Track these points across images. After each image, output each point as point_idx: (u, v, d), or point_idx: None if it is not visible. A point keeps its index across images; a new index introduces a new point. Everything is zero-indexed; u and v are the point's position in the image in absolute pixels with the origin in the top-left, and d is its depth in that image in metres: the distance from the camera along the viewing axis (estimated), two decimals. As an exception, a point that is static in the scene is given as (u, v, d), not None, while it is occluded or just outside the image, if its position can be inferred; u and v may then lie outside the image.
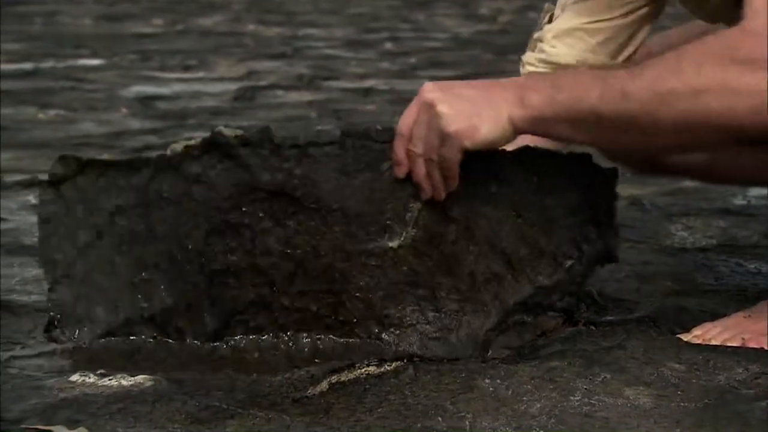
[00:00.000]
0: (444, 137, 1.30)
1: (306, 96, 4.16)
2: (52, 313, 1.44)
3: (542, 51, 1.51)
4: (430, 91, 1.31)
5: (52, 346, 1.44)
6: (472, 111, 1.29)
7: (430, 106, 1.31)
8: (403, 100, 4.07)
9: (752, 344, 1.47)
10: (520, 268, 1.46)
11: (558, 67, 1.50)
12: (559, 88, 1.26)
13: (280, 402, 1.28)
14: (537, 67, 1.52)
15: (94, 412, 1.23)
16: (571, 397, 1.31)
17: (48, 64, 5.00)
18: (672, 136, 1.23)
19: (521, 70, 1.56)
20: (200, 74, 4.78)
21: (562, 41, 1.50)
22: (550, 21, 1.54)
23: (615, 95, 1.22)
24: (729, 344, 1.47)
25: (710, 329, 1.51)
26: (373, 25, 6.90)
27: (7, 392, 1.29)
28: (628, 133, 1.23)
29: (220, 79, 4.62)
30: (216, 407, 1.25)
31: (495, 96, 1.30)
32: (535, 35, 1.53)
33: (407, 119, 1.34)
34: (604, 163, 1.50)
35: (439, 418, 1.25)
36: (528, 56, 1.53)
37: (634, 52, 1.55)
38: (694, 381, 1.37)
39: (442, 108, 1.30)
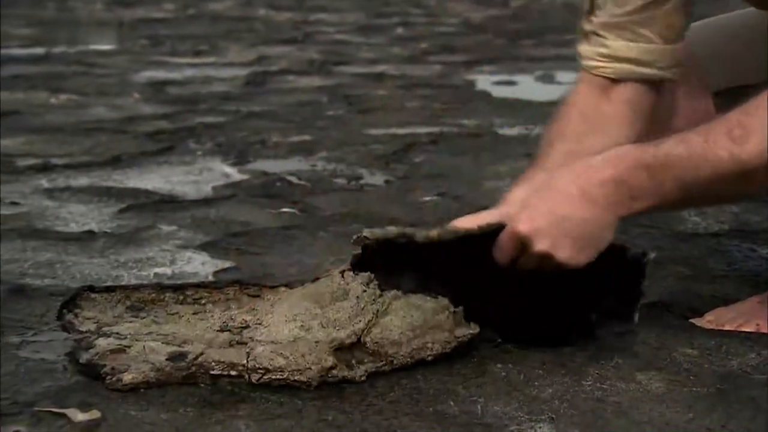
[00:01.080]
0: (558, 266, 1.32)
1: (317, 81, 4.15)
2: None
3: (602, 45, 1.49)
4: (537, 238, 1.29)
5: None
6: (586, 242, 1.30)
7: (545, 256, 1.30)
8: (415, 84, 4.07)
9: (765, 329, 1.46)
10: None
11: (618, 60, 1.48)
12: (661, 183, 1.27)
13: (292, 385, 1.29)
14: (599, 61, 1.50)
15: (106, 395, 1.24)
16: (583, 382, 1.31)
17: (60, 48, 5.00)
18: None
19: (581, 63, 1.54)
20: (211, 59, 4.78)
21: (616, 34, 1.48)
22: (591, 6, 1.51)
23: (716, 175, 1.26)
24: (742, 329, 1.47)
25: (723, 314, 1.50)
26: (385, 10, 6.88)
27: (20, 375, 1.29)
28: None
29: (231, 64, 4.61)
30: (228, 391, 1.26)
31: (602, 211, 1.29)
32: (586, 26, 1.50)
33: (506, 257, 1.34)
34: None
35: (451, 402, 1.25)
36: (586, 50, 1.51)
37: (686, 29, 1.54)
38: (706, 366, 1.37)
39: (561, 255, 1.30)
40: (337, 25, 6.18)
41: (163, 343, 1.29)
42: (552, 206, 1.30)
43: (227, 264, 1.81)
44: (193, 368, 1.24)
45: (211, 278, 1.71)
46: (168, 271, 1.76)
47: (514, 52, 5.16)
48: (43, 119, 3.22)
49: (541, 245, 1.30)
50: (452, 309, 1.36)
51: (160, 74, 4.27)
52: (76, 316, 1.51)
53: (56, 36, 5.45)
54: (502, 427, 1.19)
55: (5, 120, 3.19)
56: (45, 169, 2.52)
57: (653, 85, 1.52)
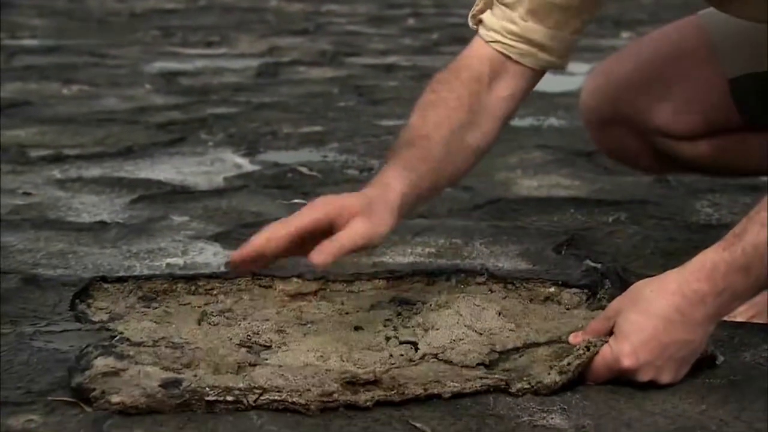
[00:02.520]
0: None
1: (328, 72, 4.15)
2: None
3: (512, 21, 1.45)
4: (641, 371, 1.25)
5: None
6: (687, 361, 1.28)
7: (652, 381, 1.27)
8: (426, 75, 4.06)
9: (778, 321, 1.45)
10: None
11: (526, 42, 1.45)
12: (759, 275, 1.24)
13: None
14: (505, 38, 1.46)
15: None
16: (596, 373, 1.31)
17: (71, 39, 5.01)
18: None
19: (481, 32, 1.47)
20: (222, 50, 4.78)
21: (534, 15, 1.44)
22: None
23: None
24: (755, 321, 1.46)
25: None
26: (396, 1, 6.87)
27: (33, 365, 1.30)
28: None
29: (243, 55, 4.61)
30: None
31: (704, 329, 1.27)
32: None
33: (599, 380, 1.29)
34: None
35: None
36: (491, 21, 1.46)
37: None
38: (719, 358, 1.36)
39: (664, 380, 1.27)
40: (348, 16, 6.17)
41: (161, 368, 1.25)
42: (654, 335, 1.25)
43: (239, 254, 1.80)
44: (187, 395, 1.18)
45: (222, 269, 1.71)
46: (180, 261, 1.76)
47: (525, 43, 5.14)
48: (55, 110, 3.23)
49: (645, 376, 1.26)
50: (487, 362, 1.31)
51: (172, 65, 4.27)
52: (89, 306, 1.52)
53: (68, 27, 5.46)
54: (514, 418, 1.19)
55: (17, 110, 3.19)
56: (57, 159, 2.52)
57: (540, 73, 1.49)
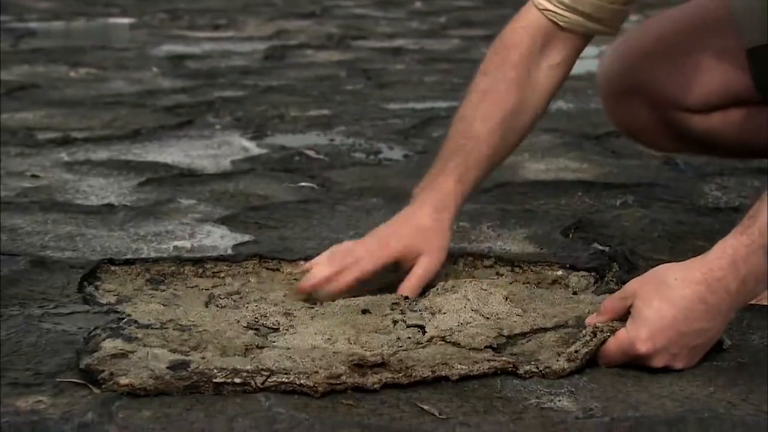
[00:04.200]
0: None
1: (335, 55, 4.14)
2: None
3: None
4: (656, 356, 1.25)
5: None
6: (703, 347, 1.27)
7: (665, 366, 1.27)
8: (433, 59, 4.06)
9: (787, 305, 1.45)
10: None
11: (575, 12, 1.49)
12: (760, 276, 1.24)
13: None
14: (556, 6, 1.50)
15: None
16: (603, 356, 1.31)
17: (79, 22, 5.00)
18: None
19: (531, 10, 1.52)
20: (230, 33, 4.77)
21: None
22: None
23: None
24: (763, 303, 1.46)
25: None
26: (403, -16, 6.84)
27: (42, 346, 1.30)
28: None
29: (250, 39, 4.61)
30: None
31: (725, 316, 1.26)
32: None
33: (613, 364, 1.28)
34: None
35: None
36: None
37: None
38: (727, 340, 1.36)
39: (678, 366, 1.26)
40: (355, -1, 6.16)
41: (169, 350, 1.26)
42: (673, 324, 1.25)
43: (246, 238, 1.81)
44: (195, 377, 1.19)
45: (230, 252, 1.71)
46: (187, 244, 1.77)
47: (533, 26, 5.13)
48: (62, 93, 3.23)
49: (659, 363, 1.26)
50: (495, 345, 1.30)
51: (179, 48, 4.26)
52: (97, 288, 1.52)
53: (75, 9, 5.46)
54: (521, 401, 1.19)
55: (25, 93, 3.20)
56: (65, 142, 2.52)
57: (587, 40, 1.54)
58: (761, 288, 1.29)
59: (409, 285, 1.47)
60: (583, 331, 1.29)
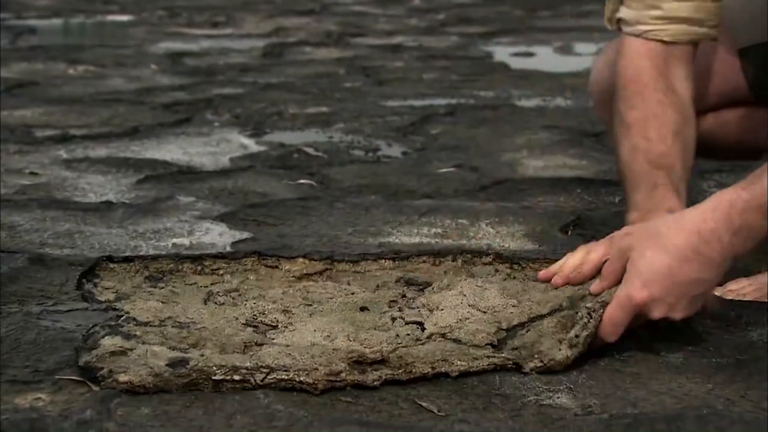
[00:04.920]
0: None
1: (334, 53, 4.15)
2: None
3: (654, 7, 1.46)
4: (654, 306, 1.25)
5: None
6: (700, 297, 1.27)
7: (665, 317, 1.27)
8: (432, 56, 4.06)
9: (786, 301, 1.45)
10: None
11: (673, 21, 1.47)
12: (754, 232, 1.24)
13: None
14: (653, 24, 1.47)
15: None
16: (602, 353, 1.30)
17: (77, 20, 5.00)
18: None
19: (627, 29, 1.50)
20: (228, 30, 4.77)
21: None
22: None
23: None
24: (762, 300, 1.46)
25: (745, 285, 1.50)
26: (402, -19, 6.84)
27: (41, 344, 1.30)
28: None
29: (248, 36, 4.61)
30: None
31: (719, 267, 1.26)
32: None
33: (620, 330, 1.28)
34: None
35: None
36: (632, 15, 1.48)
37: None
38: (726, 337, 1.36)
39: (677, 316, 1.27)
40: (354, -4, 6.15)
41: (168, 348, 1.25)
42: (669, 274, 1.25)
43: (245, 235, 1.81)
44: (194, 374, 1.19)
45: (229, 249, 1.71)
46: (186, 241, 1.77)
47: (532, 23, 5.13)
48: (61, 90, 3.23)
49: (657, 313, 1.27)
50: (495, 342, 1.30)
51: (178, 45, 4.26)
52: (96, 285, 1.52)
53: (73, 7, 5.45)
54: (520, 397, 1.19)
55: (24, 91, 3.20)
56: (63, 139, 2.52)
57: (696, 47, 1.51)
58: (753, 244, 1.27)
59: None
60: (579, 314, 1.29)
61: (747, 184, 1.25)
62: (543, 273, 1.40)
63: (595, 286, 1.33)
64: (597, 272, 1.34)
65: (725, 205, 1.25)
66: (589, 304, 1.29)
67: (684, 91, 1.50)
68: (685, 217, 1.27)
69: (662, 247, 1.25)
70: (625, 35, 1.50)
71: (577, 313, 1.30)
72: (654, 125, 1.47)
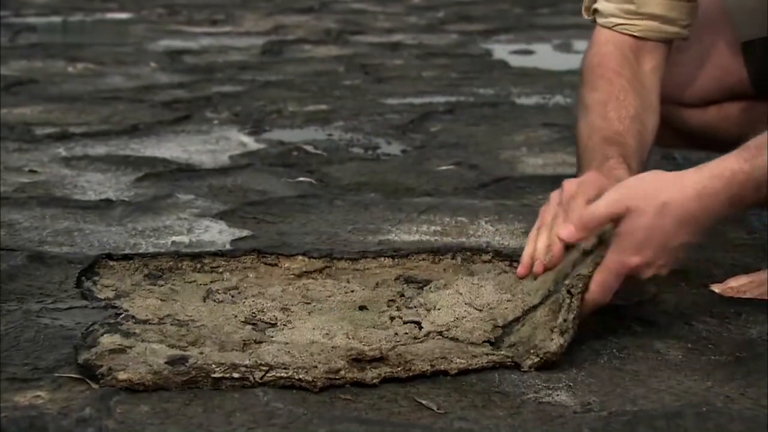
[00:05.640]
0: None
1: (334, 50, 4.14)
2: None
3: (630, 2, 1.47)
4: (646, 268, 1.29)
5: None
6: (686, 255, 1.31)
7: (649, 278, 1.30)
8: (431, 54, 4.05)
9: (786, 299, 1.45)
10: None
11: (645, 17, 1.47)
12: (746, 204, 1.28)
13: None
14: (625, 18, 1.48)
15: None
16: (601, 351, 1.31)
17: (77, 17, 5.00)
18: None
19: (600, 21, 1.51)
20: (228, 28, 4.77)
21: None
22: None
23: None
24: (762, 298, 1.46)
25: (744, 283, 1.50)
26: (401, -21, 6.84)
27: (40, 342, 1.30)
28: None
29: (248, 34, 4.61)
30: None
31: (708, 231, 1.29)
32: None
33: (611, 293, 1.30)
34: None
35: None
36: (607, 7, 1.49)
37: None
38: (725, 334, 1.36)
39: (663, 272, 1.30)
40: (353, -6, 6.15)
41: (167, 345, 1.26)
42: (664, 239, 1.27)
43: (244, 233, 1.81)
44: (193, 372, 1.19)
45: (228, 247, 1.71)
46: (185, 239, 1.77)
47: (531, 20, 5.13)
48: (60, 88, 3.23)
49: (647, 274, 1.29)
50: (492, 339, 1.31)
51: (177, 43, 4.26)
52: (95, 283, 1.52)
53: (72, 5, 5.45)
54: (519, 395, 1.19)
55: (23, 88, 3.19)
56: (63, 137, 2.52)
57: (669, 45, 1.52)
58: (742, 212, 1.31)
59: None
60: (560, 295, 1.29)
61: (749, 156, 1.26)
62: (520, 270, 1.40)
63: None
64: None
65: (728, 174, 1.26)
66: (567, 281, 1.30)
67: (650, 82, 1.51)
68: (686, 179, 1.28)
69: (660, 210, 1.26)
70: (598, 26, 1.51)
71: (561, 293, 1.30)
72: (614, 107, 1.48)
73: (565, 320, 1.27)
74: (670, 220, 1.26)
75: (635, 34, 1.48)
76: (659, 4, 1.47)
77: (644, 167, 1.49)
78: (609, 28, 1.50)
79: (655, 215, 1.26)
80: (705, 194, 1.26)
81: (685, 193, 1.26)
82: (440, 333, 1.32)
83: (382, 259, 1.60)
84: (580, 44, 4.23)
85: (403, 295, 1.46)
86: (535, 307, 1.35)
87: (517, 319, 1.34)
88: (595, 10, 1.52)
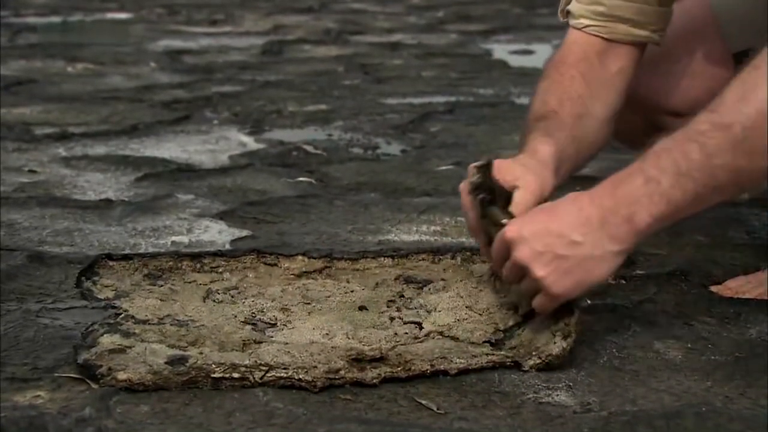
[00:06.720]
0: (551, 297, 1.26)
1: (333, 50, 4.14)
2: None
3: (598, 3, 1.47)
4: (518, 244, 1.24)
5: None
6: (572, 267, 1.23)
7: (522, 267, 1.25)
8: (431, 54, 4.06)
9: (785, 299, 1.45)
10: None
11: (613, 19, 1.47)
12: (659, 201, 1.22)
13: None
14: (594, 20, 1.48)
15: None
16: (601, 351, 1.31)
17: (76, 17, 5.00)
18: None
19: (572, 22, 1.51)
20: (227, 28, 4.77)
21: None
22: None
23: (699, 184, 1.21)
24: (761, 298, 1.46)
25: (742, 283, 1.50)
26: (401, -21, 6.84)
27: (40, 341, 1.30)
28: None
29: (247, 34, 4.61)
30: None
31: (599, 238, 1.23)
32: None
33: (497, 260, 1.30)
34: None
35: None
36: (578, 8, 1.49)
37: None
38: (724, 334, 1.36)
39: (537, 272, 1.24)
40: (353, -6, 6.15)
41: (167, 345, 1.26)
42: (543, 219, 1.25)
43: (244, 233, 1.81)
44: (193, 372, 1.19)
45: (228, 247, 1.71)
46: (185, 239, 1.77)
47: (531, 20, 5.13)
48: (60, 88, 3.23)
49: (521, 253, 1.25)
50: (493, 340, 1.31)
51: (177, 43, 4.26)
52: (95, 283, 1.52)
53: (72, 4, 5.45)
54: (519, 395, 1.19)
55: (22, 88, 3.19)
56: (62, 137, 2.52)
57: (641, 48, 1.51)
58: (636, 214, 1.23)
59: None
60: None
61: (644, 165, 1.24)
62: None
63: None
64: None
65: (612, 178, 1.26)
66: None
67: (611, 82, 1.49)
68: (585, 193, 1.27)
69: (550, 204, 1.28)
70: (570, 27, 1.51)
71: None
72: (555, 91, 1.48)
73: (566, 324, 1.27)
74: (554, 207, 1.27)
75: (604, 36, 1.48)
76: (629, 8, 1.46)
77: (582, 155, 1.49)
78: (579, 29, 1.50)
79: (543, 206, 1.28)
80: (593, 190, 1.25)
81: (576, 193, 1.26)
82: (441, 332, 1.32)
83: (382, 259, 1.60)
84: (579, 44, 4.23)
85: (402, 296, 1.46)
86: (534, 312, 1.35)
87: (518, 324, 1.34)
88: (568, 12, 1.52)
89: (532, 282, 1.25)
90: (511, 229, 1.26)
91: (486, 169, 1.34)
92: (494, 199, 1.33)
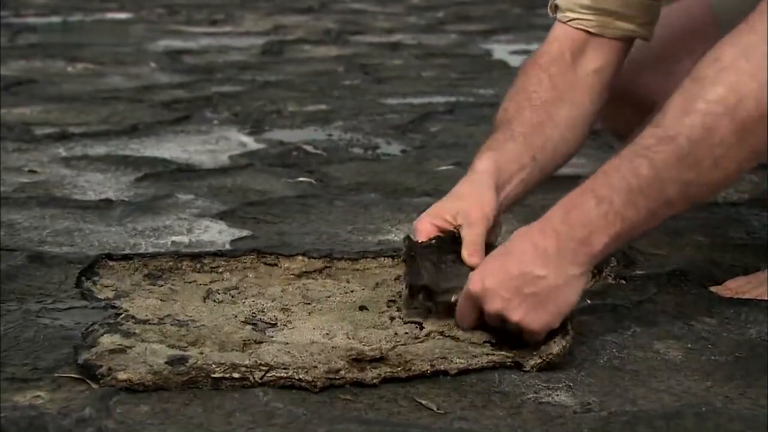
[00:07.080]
0: (535, 332, 1.26)
1: (333, 50, 4.14)
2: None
3: None
4: (487, 298, 1.25)
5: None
6: (542, 301, 1.23)
7: (500, 317, 1.25)
8: (431, 54, 4.06)
9: (785, 299, 1.45)
10: None
11: (599, 12, 1.47)
12: (613, 221, 1.21)
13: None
14: (580, 13, 1.48)
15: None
16: (601, 351, 1.31)
17: (76, 17, 5.00)
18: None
19: (558, 15, 1.51)
20: (227, 28, 4.77)
21: None
22: None
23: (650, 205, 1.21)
24: (761, 298, 1.46)
25: (742, 283, 1.50)
26: (401, -21, 6.84)
27: (40, 342, 1.30)
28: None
29: (247, 34, 4.61)
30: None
31: (558, 265, 1.22)
32: None
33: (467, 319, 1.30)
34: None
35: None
36: (565, 2, 1.49)
37: None
38: (725, 335, 1.36)
39: (514, 317, 1.24)
40: (353, -6, 6.16)
41: (167, 345, 1.26)
42: (502, 265, 1.25)
43: (244, 233, 1.81)
44: (193, 372, 1.19)
45: (228, 247, 1.71)
46: (185, 239, 1.77)
47: (531, 20, 5.13)
48: (60, 88, 3.23)
49: (491, 305, 1.25)
50: (493, 340, 1.30)
51: (177, 43, 4.26)
52: (95, 283, 1.52)
53: (72, 4, 5.45)
54: (519, 395, 1.19)
55: (22, 88, 3.19)
56: (62, 137, 2.52)
57: (627, 43, 1.50)
58: (592, 235, 1.22)
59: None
60: None
61: (593, 185, 1.24)
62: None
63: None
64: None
65: (564, 201, 1.25)
66: None
67: (585, 81, 1.48)
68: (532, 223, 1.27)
69: (505, 246, 1.28)
70: (556, 21, 1.51)
71: None
72: (516, 98, 1.48)
73: (563, 324, 1.27)
74: (510, 249, 1.26)
75: (589, 29, 1.47)
76: (613, 0, 1.46)
77: (544, 162, 1.49)
78: (564, 22, 1.49)
79: (498, 250, 1.28)
80: (543, 220, 1.25)
81: (527, 228, 1.26)
82: (441, 332, 1.33)
83: (382, 259, 1.60)
84: (579, 44, 4.23)
85: (402, 296, 1.46)
86: None
87: None
88: (557, 7, 1.51)
89: (512, 325, 1.26)
90: (473, 285, 1.26)
91: (409, 245, 1.35)
92: (441, 257, 1.34)
